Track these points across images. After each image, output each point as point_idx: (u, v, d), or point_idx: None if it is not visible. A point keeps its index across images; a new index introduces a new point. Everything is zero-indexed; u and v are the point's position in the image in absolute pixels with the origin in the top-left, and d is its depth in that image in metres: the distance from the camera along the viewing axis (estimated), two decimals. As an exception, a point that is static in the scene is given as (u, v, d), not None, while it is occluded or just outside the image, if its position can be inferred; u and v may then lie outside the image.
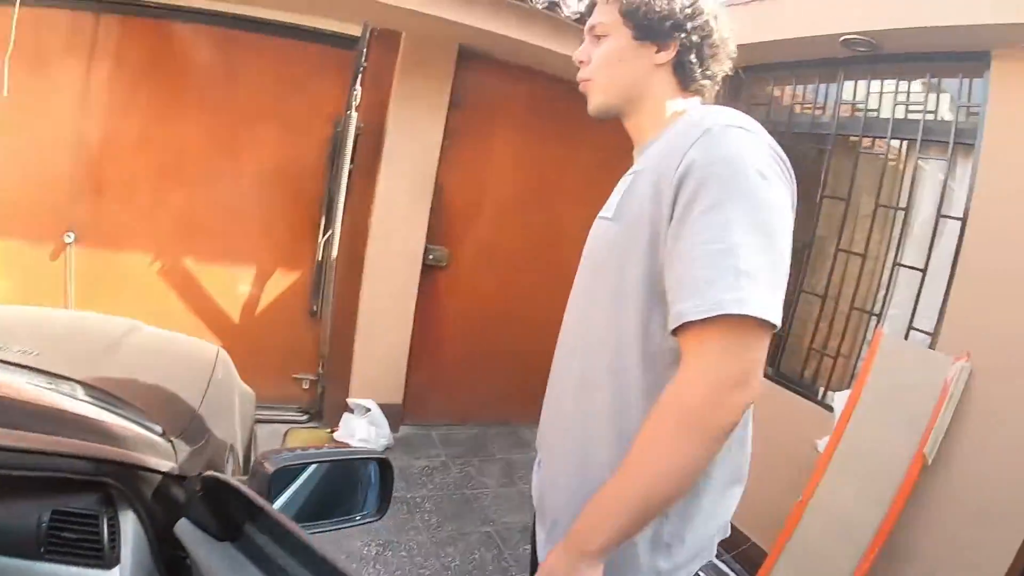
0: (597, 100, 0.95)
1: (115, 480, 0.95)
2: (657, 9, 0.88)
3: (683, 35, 0.90)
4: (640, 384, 0.83)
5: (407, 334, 3.10)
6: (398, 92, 2.95)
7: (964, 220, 2.06)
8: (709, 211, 0.71)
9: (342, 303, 2.98)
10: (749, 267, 0.69)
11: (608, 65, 0.93)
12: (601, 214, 0.94)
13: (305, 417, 3.06)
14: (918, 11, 2.05)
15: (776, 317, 0.71)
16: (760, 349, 0.72)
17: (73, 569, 1.01)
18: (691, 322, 0.70)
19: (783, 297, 0.74)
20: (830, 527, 2.03)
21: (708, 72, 0.94)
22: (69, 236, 2.88)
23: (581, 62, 0.96)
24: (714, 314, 0.68)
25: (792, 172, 0.83)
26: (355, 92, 2.88)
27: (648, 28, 0.89)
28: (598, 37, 0.94)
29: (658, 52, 0.91)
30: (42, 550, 1.01)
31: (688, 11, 0.89)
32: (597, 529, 0.75)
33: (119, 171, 2.90)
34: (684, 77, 0.92)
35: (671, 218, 0.76)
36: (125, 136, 2.89)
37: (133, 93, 2.89)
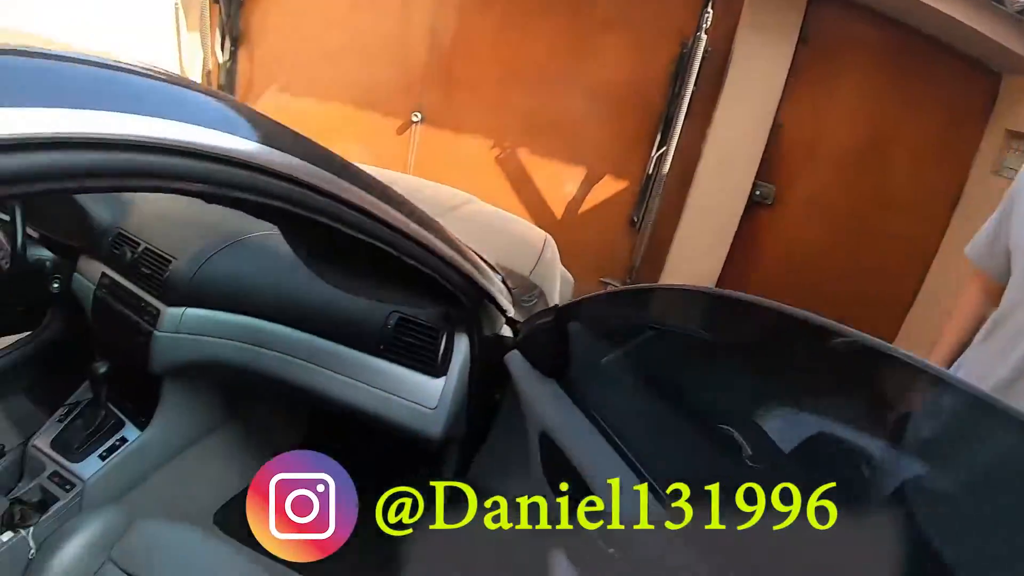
0: None
1: (466, 300, 1.04)
2: None
3: None
4: None
5: (719, 263, 3.10)
6: (747, 19, 2.95)
7: None
8: None
9: (663, 220, 3.01)
10: None
11: None
12: None
13: (603, 322, 3.08)
14: None
15: None
16: None
17: (404, 370, 1.14)
18: None
19: None
20: None
21: None
22: (416, 115, 3.07)
23: None
24: None
25: None
26: (706, 14, 2.91)
27: None
28: None
29: None
30: (381, 347, 1.14)
31: None
32: None
33: (468, 64, 3.06)
34: None
35: None
36: (477, 34, 3.04)
37: (487, -5, 3.04)
